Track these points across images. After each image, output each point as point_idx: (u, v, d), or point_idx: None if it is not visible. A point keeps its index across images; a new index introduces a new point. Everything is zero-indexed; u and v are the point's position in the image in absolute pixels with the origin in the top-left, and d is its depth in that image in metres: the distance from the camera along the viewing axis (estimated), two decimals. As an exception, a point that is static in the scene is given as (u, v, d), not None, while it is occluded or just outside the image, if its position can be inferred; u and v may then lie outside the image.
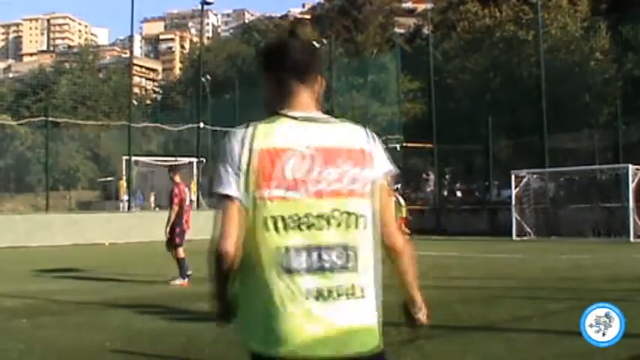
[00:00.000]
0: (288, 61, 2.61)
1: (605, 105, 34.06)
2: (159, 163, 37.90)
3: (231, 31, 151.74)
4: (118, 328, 8.66)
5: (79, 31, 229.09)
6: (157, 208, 39.03)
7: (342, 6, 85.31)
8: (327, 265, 2.43)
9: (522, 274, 14.40)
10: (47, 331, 8.53)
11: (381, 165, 2.62)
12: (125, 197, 33.95)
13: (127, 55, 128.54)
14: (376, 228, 2.58)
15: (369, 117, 48.77)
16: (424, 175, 37.99)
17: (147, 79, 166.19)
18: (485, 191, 35.42)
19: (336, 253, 2.45)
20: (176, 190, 13.54)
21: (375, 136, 2.66)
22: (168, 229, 13.43)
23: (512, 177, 27.79)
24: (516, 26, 40.41)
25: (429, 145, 35.16)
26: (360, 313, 2.47)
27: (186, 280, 13.12)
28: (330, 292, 2.42)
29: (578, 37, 37.07)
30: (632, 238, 23.97)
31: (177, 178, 13.87)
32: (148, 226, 30.66)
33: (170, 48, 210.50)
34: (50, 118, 34.89)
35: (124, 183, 34.67)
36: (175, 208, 13.40)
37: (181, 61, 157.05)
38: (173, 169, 14.86)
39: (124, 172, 35.03)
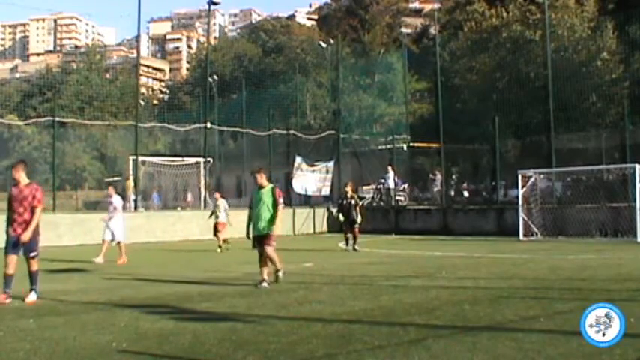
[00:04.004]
0: None
1: (612, 105, 33.96)
2: (166, 163, 37.94)
3: (238, 31, 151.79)
4: (124, 328, 8.67)
5: (86, 31, 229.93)
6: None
7: (349, 6, 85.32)
8: None
9: (529, 274, 14.36)
10: (54, 331, 8.53)
11: None
12: (133, 197, 33.93)
13: (134, 55, 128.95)
14: None
15: (376, 117, 48.83)
16: (431, 175, 37.84)
17: (154, 79, 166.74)
18: (492, 191, 35.27)
19: None
20: (38, 195, 11.49)
21: None
22: (28, 236, 11.24)
23: (519, 177, 27.71)
24: (523, 26, 40.36)
25: (436, 145, 35.13)
26: None
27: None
28: None
29: (585, 37, 36.99)
30: (639, 238, 23.87)
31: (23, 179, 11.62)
32: (154, 227, 30.81)
33: (177, 48, 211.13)
34: (57, 119, 34.88)
35: (131, 183, 34.64)
36: (40, 213, 11.44)
37: (188, 61, 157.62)
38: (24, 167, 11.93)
39: (131, 172, 35.02)
